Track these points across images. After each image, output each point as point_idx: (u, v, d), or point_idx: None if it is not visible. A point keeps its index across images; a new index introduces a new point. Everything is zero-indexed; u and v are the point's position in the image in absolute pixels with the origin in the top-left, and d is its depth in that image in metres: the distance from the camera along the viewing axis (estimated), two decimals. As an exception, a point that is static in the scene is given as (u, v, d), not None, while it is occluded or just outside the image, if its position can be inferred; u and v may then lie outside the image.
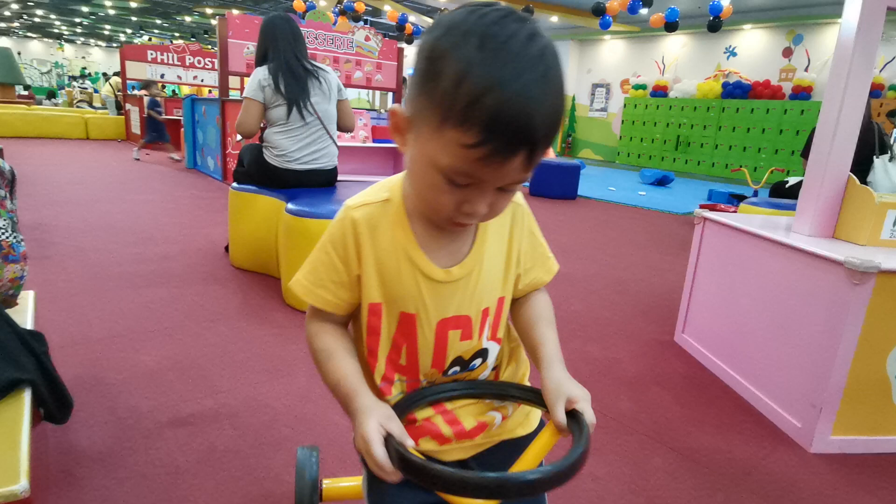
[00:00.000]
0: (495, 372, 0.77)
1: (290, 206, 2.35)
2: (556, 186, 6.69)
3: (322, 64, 2.79)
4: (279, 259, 2.57)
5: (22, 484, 0.80)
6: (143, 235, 3.46)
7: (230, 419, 1.51)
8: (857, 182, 1.69)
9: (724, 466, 1.47)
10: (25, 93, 13.26)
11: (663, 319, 2.51)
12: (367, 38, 6.73)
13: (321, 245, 0.67)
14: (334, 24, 6.82)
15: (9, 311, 1.20)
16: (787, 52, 10.93)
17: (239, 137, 4.14)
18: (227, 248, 3.10)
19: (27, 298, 1.47)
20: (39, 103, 13.22)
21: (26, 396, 0.99)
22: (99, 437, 1.39)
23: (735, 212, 4.96)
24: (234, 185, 2.84)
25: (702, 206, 5.58)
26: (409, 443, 0.56)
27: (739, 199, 5.74)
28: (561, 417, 0.59)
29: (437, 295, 0.66)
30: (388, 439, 0.55)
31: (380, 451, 0.54)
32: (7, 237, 1.10)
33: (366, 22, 14.95)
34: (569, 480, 0.53)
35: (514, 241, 0.70)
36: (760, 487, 1.39)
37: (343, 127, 2.88)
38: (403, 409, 0.65)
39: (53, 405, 1.11)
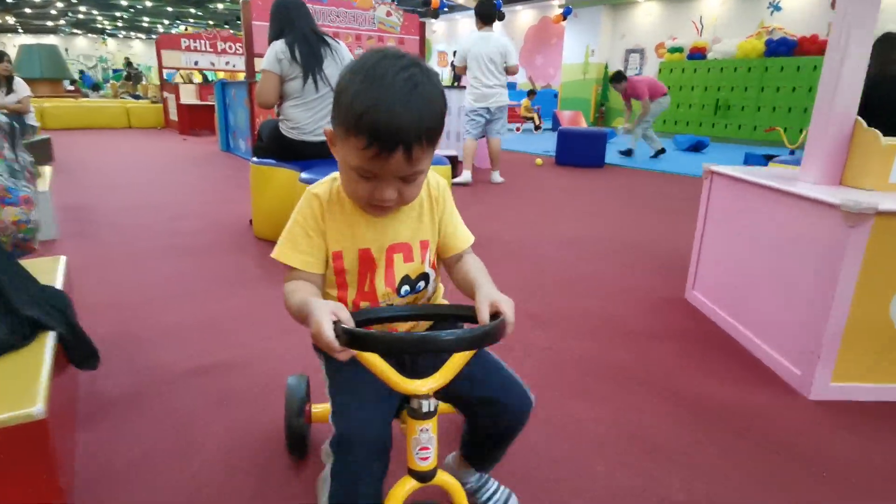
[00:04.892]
0: (427, 301, 0.96)
1: (303, 175, 2.44)
2: (583, 155, 6.58)
3: (334, 38, 2.86)
4: (297, 228, 2.68)
5: (38, 407, 0.91)
6: (176, 213, 3.65)
7: (243, 368, 1.62)
8: (864, 125, 1.63)
9: (712, 409, 1.48)
10: (72, 87, 13.86)
11: (674, 278, 2.49)
12: (388, 14, 6.72)
13: (293, 222, 0.87)
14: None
15: (40, 273, 1.34)
16: (836, 3, 10.26)
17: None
18: (251, 222, 3.25)
19: (59, 262, 1.62)
20: (86, 96, 13.85)
21: (49, 337, 1.11)
22: (127, 384, 1.53)
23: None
24: (255, 159, 2.96)
25: (734, 169, 5.38)
26: (352, 323, 0.68)
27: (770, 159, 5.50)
28: (484, 314, 0.72)
29: (376, 230, 0.87)
30: (336, 323, 0.66)
31: (328, 331, 0.65)
32: (2, 181, 1.21)
33: (393, -3, 14.84)
34: (472, 347, 0.67)
35: (437, 205, 0.91)
36: (745, 429, 1.40)
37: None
38: (364, 318, 0.78)
39: (77, 353, 1.23)
